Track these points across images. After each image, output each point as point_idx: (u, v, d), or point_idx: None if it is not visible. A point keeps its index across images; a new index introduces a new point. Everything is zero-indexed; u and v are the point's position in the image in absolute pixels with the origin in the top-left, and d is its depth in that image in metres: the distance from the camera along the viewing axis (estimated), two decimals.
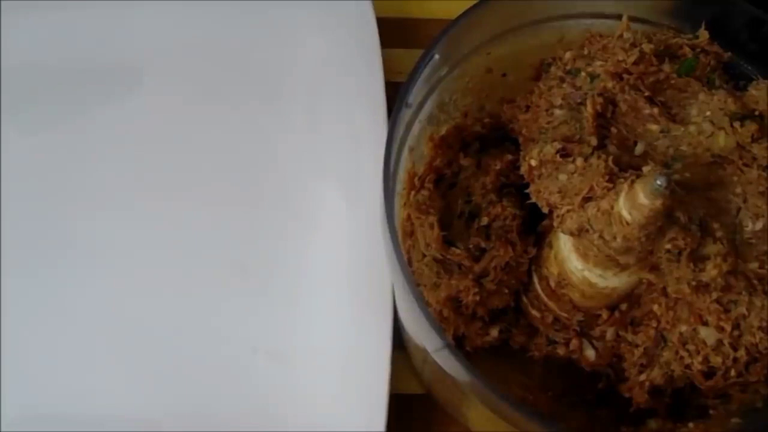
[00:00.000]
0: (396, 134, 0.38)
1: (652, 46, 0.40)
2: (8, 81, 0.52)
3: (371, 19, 0.52)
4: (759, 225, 0.37)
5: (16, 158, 0.51)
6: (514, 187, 0.43)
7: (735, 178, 0.38)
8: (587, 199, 0.35)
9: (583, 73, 0.40)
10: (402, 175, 0.40)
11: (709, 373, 0.37)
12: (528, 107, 0.41)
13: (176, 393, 0.46)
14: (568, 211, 0.36)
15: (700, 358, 0.37)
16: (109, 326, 0.48)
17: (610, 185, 0.35)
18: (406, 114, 0.38)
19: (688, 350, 0.37)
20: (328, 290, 0.48)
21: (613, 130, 0.38)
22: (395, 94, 0.38)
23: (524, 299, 0.42)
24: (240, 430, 0.45)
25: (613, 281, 0.38)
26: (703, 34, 0.40)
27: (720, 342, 0.36)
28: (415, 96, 0.39)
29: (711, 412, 0.38)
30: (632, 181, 0.34)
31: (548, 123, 0.39)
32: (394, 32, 0.54)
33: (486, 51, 0.41)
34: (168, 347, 0.47)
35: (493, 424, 0.38)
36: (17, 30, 0.53)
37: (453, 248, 0.41)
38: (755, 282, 0.36)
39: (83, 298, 0.48)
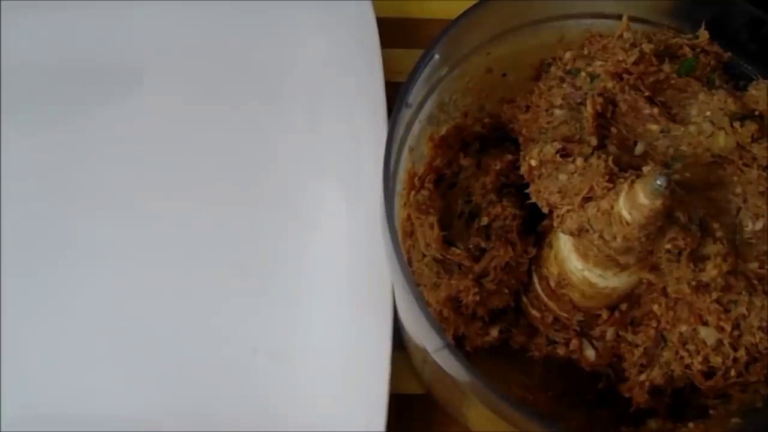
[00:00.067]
0: (396, 134, 0.38)
1: (652, 46, 0.40)
2: (8, 81, 0.52)
3: (371, 19, 0.52)
4: (759, 225, 0.37)
5: (16, 158, 0.51)
6: (514, 187, 0.43)
7: (735, 178, 0.38)
8: (587, 199, 0.35)
9: (583, 73, 0.40)
10: (402, 175, 0.40)
11: (709, 373, 0.37)
12: (528, 107, 0.41)
13: (176, 393, 0.46)
14: (568, 211, 0.36)
15: (700, 358, 0.37)
16: (109, 326, 0.48)
17: (610, 185, 0.35)
18: (406, 114, 0.38)
19: (688, 350, 0.37)
20: (328, 290, 0.48)
21: (613, 130, 0.38)
22: (395, 94, 0.38)
23: (524, 299, 0.42)
24: (240, 430, 0.45)
25: (613, 281, 0.38)
26: (703, 34, 0.40)
27: (720, 342, 0.36)
28: (415, 96, 0.39)
29: (711, 412, 0.38)
30: (632, 181, 0.34)
31: (548, 123, 0.39)
32: (394, 32, 0.54)
33: (486, 51, 0.41)
34: (168, 347, 0.47)
35: (493, 424, 0.38)
36: (17, 30, 0.53)
37: (453, 248, 0.41)
38: (755, 282, 0.36)
39: (83, 298, 0.48)
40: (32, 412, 0.46)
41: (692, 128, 0.38)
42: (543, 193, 0.37)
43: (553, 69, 0.41)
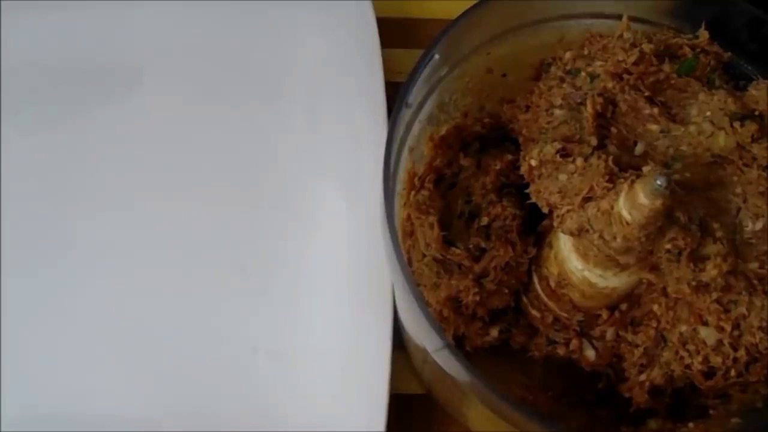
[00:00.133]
0: (396, 134, 0.38)
1: (652, 46, 0.40)
2: (8, 81, 0.52)
3: (371, 19, 0.52)
4: (759, 225, 0.37)
5: (16, 158, 0.51)
6: (514, 187, 0.43)
7: (735, 178, 0.38)
8: (587, 199, 0.35)
9: (583, 73, 0.40)
10: (402, 175, 0.40)
11: (709, 373, 0.37)
12: (528, 107, 0.41)
13: (176, 393, 0.46)
14: (568, 211, 0.36)
15: (700, 358, 0.37)
16: (109, 326, 0.48)
17: (610, 185, 0.35)
18: (406, 114, 0.38)
19: (688, 350, 0.37)
20: (328, 290, 0.48)
21: (613, 130, 0.38)
22: (395, 94, 0.38)
23: (524, 299, 0.42)
24: (240, 430, 0.45)
25: (613, 281, 0.38)
26: (703, 34, 0.40)
27: (720, 342, 0.36)
28: (415, 96, 0.39)
29: (711, 412, 0.38)
30: (632, 181, 0.34)
31: (548, 123, 0.39)
32: (394, 32, 0.54)
33: (486, 51, 0.41)
34: (168, 347, 0.47)
35: (493, 424, 0.38)
36: (17, 30, 0.53)
37: (453, 248, 0.41)
38: (755, 282, 0.36)
39: (83, 298, 0.48)
40: (32, 412, 0.46)
41: (692, 128, 0.38)
42: (543, 193, 0.37)
43: (553, 69, 0.41)
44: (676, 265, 0.35)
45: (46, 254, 0.49)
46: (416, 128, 0.40)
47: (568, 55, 0.41)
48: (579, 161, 0.36)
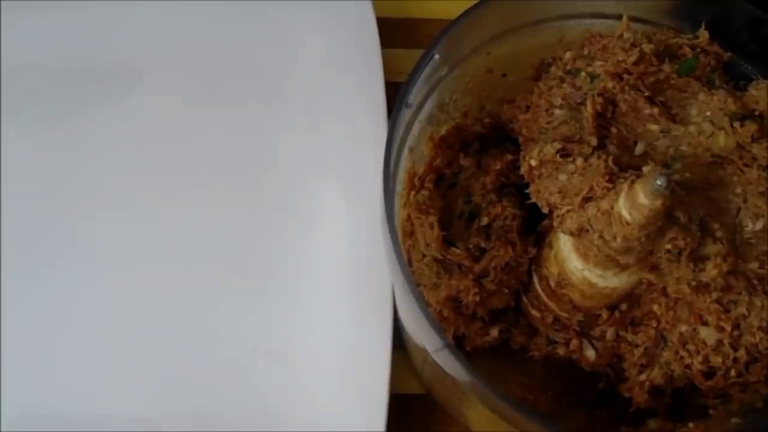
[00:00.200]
0: (396, 134, 0.38)
1: (652, 46, 0.40)
2: (8, 81, 0.52)
3: (371, 19, 0.52)
4: (759, 225, 0.37)
5: (16, 158, 0.51)
6: (514, 187, 0.43)
7: (735, 178, 0.38)
8: (587, 199, 0.35)
9: (583, 73, 0.40)
10: (402, 175, 0.40)
11: (709, 373, 0.37)
12: (528, 107, 0.41)
13: (176, 393, 0.46)
14: (568, 211, 0.36)
15: (700, 358, 0.37)
16: (109, 326, 0.47)
17: (610, 185, 0.35)
18: (406, 114, 0.38)
19: (688, 350, 0.37)
20: (328, 290, 0.48)
21: (613, 130, 0.38)
22: (395, 94, 0.38)
23: (524, 299, 0.42)
24: (240, 430, 0.45)
25: (613, 281, 0.38)
26: (703, 34, 0.40)
27: (720, 342, 0.36)
28: (415, 96, 0.39)
29: (711, 412, 0.38)
30: (632, 181, 0.34)
31: (548, 123, 0.39)
32: (394, 32, 0.54)
33: (486, 51, 0.41)
34: (168, 347, 0.47)
35: (493, 424, 0.38)
36: (17, 30, 0.53)
37: (453, 248, 0.41)
38: (755, 282, 0.36)
39: (83, 298, 0.48)
40: (32, 412, 0.46)
41: (692, 128, 0.38)
42: (543, 193, 0.37)
43: (553, 69, 0.41)
44: (676, 265, 0.35)
45: (46, 254, 0.49)
46: (416, 128, 0.40)
47: (568, 55, 0.41)
48: (579, 161, 0.36)
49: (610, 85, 0.39)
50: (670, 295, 0.37)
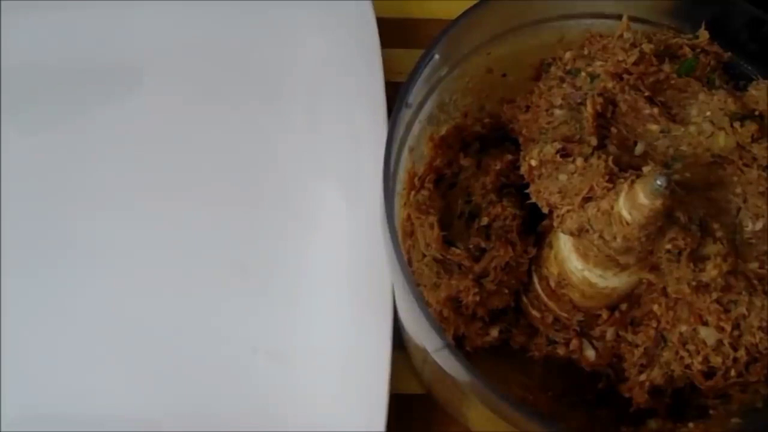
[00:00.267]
0: (396, 134, 0.38)
1: (652, 46, 0.40)
2: (8, 81, 0.52)
3: (371, 19, 0.52)
4: (759, 225, 0.37)
5: (16, 158, 0.51)
6: (514, 187, 0.43)
7: (735, 178, 0.38)
8: (587, 199, 0.35)
9: (583, 73, 0.40)
10: (402, 175, 0.40)
11: (709, 373, 0.37)
12: (528, 107, 0.41)
13: (176, 393, 0.46)
14: (568, 211, 0.36)
15: (700, 358, 0.37)
16: (109, 326, 0.47)
17: (610, 185, 0.35)
18: (406, 114, 0.38)
19: (688, 350, 0.37)
20: (328, 290, 0.48)
21: (613, 130, 0.38)
22: (395, 94, 0.38)
23: (524, 299, 0.42)
24: (240, 430, 0.45)
25: (613, 281, 0.38)
26: (703, 34, 0.40)
27: (720, 342, 0.36)
28: (415, 96, 0.39)
29: (711, 412, 0.38)
30: (632, 181, 0.34)
31: (548, 123, 0.39)
32: (394, 32, 0.54)
33: (486, 51, 0.41)
34: (168, 347, 0.47)
35: (493, 424, 0.38)
36: (17, 30, 0.53)
37: (453, 248, 0.41)
38: (755, 282, 0.36)
39: (83, 298, 0.48)
40: (32, 412, 0.46)
41: (692, 128, 0.38)
42: (543, 193, 0.37)
43: (553, 69, 0.41)
44: (676, 265, 0.35)
45: (46, 254, 0.49)
46: (416, 128, 0.40)
47: (568, 55, 0.41)
48: (579, 161, 0.36)
49: (610, 85, 0.39)
50: (670, 295, 0.37)
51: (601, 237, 0.35)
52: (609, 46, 0.40)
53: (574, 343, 0.41)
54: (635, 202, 0.33)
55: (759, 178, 0.37)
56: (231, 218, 0.50)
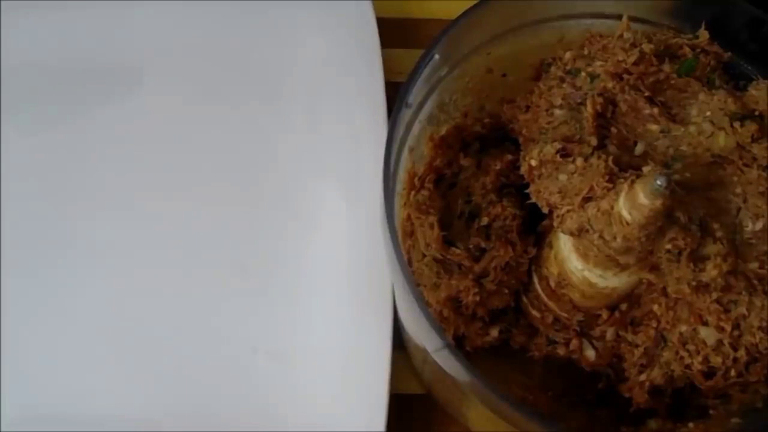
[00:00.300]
0: (396, 134, 0.38)
1: (652, 46, 0.40)
2: (8, 81, 0.52)
3: (371, 19, 0.52)
4: (759, 225, 0.37)
5: (16, 158, 0.51)
6: (514, 187, 0.43)
7: (735, 178, 0.38)
8: (587, 199, 0.35)
9: (583, 73, 0.40)
10: (402, 175, 0.40)
11: (709, 373, 0.37)
12: (528, 107, 0.41)
13: (176, 393, 0.46)
14: (568, 211, 0.36)
15: (700, 358, 0.37)
16: (109, 326, 0.47)
17: (610, 185, 0.35)
18: (406, 114, 0.38)
19: (688, 350, 0.37)
20: (328, 290, 0.48)
21: (613, 130, 0.38)
22: (395, 94, 0.38)
23: (524, 299, 0.42)
24: (240, 430, 0.45)
25: (613, 281, 0.38)
26: (703, 34, 0.40)
27: (720, 342, 0.36)
28: (415, 96, 0.39)
29: (711, 412, 0.38)
30: (632, 181, 0.34)
31: (548, 123, 0.39)
32: (394, 32, 0.54)
33: (486, 51, 0.41)
34: (168, 347, 0.47)
35: (493, 424, 0.38)
36: (17, 30, 0.53)
37: (453, 248, 0.41)
38: (755, 282, 0.36)
39: (83, 298, 0.48)
40: (32, 412, 0.46)
41: (692, 128, 0.38)
42: (543, 193, 0.37)
43: (553, 69, 0.41)
44: (676, 265, 0.35)
45: (46, 254, 0.49)
46: (416, 128, 0.40)
47: (568, 55, 0.41)
48: (579, 161, 0.36)
49: (610, 85, 0.39)
50: (670, 295, 0.37)
51: (601, 237, 0.35)
52: (609, 46, 0.40)
53: (574, 343, 0.41)
54: (635, 202, 0.33)
55: (759, 178, 0.37)
56: (231, 218, 0.50)
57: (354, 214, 0.49)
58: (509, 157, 0.43)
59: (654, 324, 0.38)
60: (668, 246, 0.35)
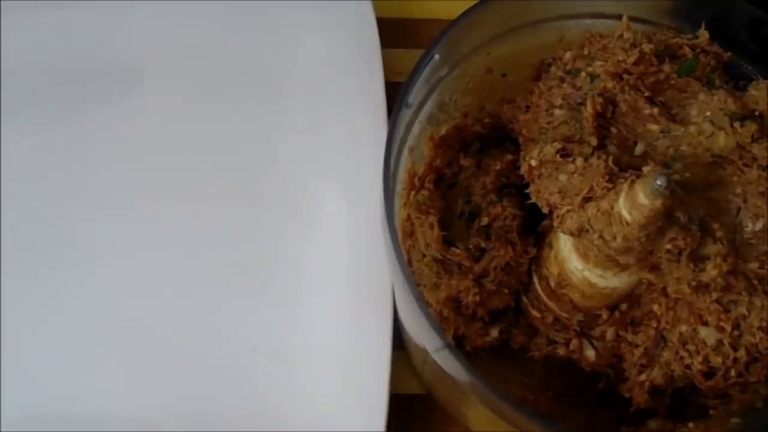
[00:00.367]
0: (396, 134, 0.38)
1: (652, 46, 0.40)
2: (8, 81, 0.52)
3: (371, 19, 0.52)
4: (759, 225, 0.37)
5: (16, 158, 0.51)
6: (514, 187, 0.43)
7: (735, 178, 0.38)
8: (587, 199, 0.35)
9: (583, 73, 0.40)
10: (402, 175, 0.40)
11: (709, 373, 0.37)
12: (528, 107, 0.41)
13: (176, 393, 0.46)
14: (568, 211, 0.36)
15: (700, 358, 0.37)
16: (109, 326, 0.48)
17: (610, 185, 0.35)
18: (406, 114, 0.38)
19: (688, 350, 0.37)
20: (328, 290, 0.48)
21: (613, 130, 0.38)
22: (395, 94, 0.38)
23: (524, 299, 0.42)
24: (240, 430, 0.45)
25: (613, 281, 0.38)
26: (703, 34, 0.40)
27: (720, 342, 0.36)
28: (415, 96, 0.39)
29: (711, 412, 0.38)
30: (632, 181, 0.34)
31: (548, 123, 0.39)
32: (394, 32, 0.54)
33: (486, 51, 0.41)
34: (168, 347, 0.47)
35: (493, 424, 0.38)
36: (17, 30, 0.53)
37: (453, 248, 0.41)
38: (755, 282, 0.36)
39: (83, 298, 0.48)
40: (32, 412, 0.46)
41: (692, 128, 0.38)
42: (543, 193, 0.37)
43: (553, 69, 0.41)
44: (676, 265, 0.35)
45: (46, 254, 0.49)
46: (416, 128, 0.40)
47: (568, 55, 0.41)
48: (579, 161, 0.36)
49: (610, 85, 0.39)
50: (670, 295, 0.37)
51: (601, 237, 0.35)
52: (609, 46, 0.40)
53: (574, 343, 0.41)
54: (635, 202, 0.33)
55: (759, 178, 0.37)
56: (231, 218, 0.50)
57: (354, 214, 0.49)
58: (509, 157, 0.43)
59: (654, 324, 0.38)
60: (668, 246, 0.35)
